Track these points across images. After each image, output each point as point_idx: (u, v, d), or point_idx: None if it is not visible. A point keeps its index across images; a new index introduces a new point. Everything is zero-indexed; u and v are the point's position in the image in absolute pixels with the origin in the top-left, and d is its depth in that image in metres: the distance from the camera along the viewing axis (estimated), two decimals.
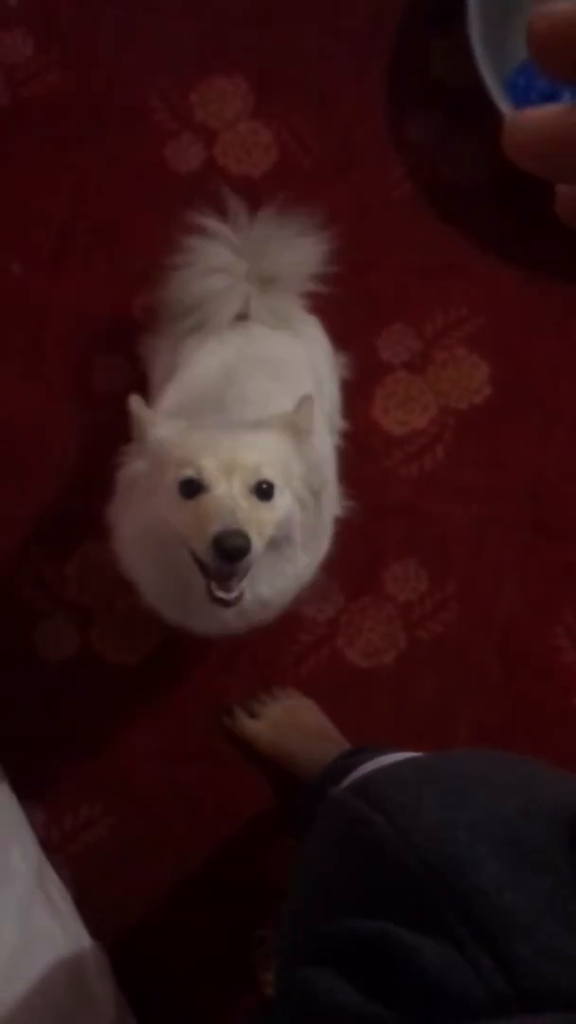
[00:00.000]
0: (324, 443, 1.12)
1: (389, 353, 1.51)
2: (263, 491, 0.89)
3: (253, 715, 1.38)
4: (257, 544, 0.86)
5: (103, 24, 1.62)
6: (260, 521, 0.88)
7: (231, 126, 1.59)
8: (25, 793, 1.27)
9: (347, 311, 1.39)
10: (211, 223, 1.21)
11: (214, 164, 1.58)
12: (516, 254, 1.52)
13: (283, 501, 0.92)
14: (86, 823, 1.37)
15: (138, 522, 0.98)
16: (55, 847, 1.35)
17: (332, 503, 1.13)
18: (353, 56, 1.60)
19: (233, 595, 0.90)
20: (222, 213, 1.23)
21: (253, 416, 1.01)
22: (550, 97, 1.56)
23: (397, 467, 1.48)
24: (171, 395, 1.13)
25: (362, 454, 1.45)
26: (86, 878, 1.33)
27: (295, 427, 0.96)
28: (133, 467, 0.99)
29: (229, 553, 0.84)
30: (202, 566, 0.89)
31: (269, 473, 0.90)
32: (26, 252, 1.55)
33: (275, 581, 0.98)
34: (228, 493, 0.87)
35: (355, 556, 1.45)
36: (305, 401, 0.98)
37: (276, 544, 0.93)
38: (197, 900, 1.35)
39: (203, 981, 1.33)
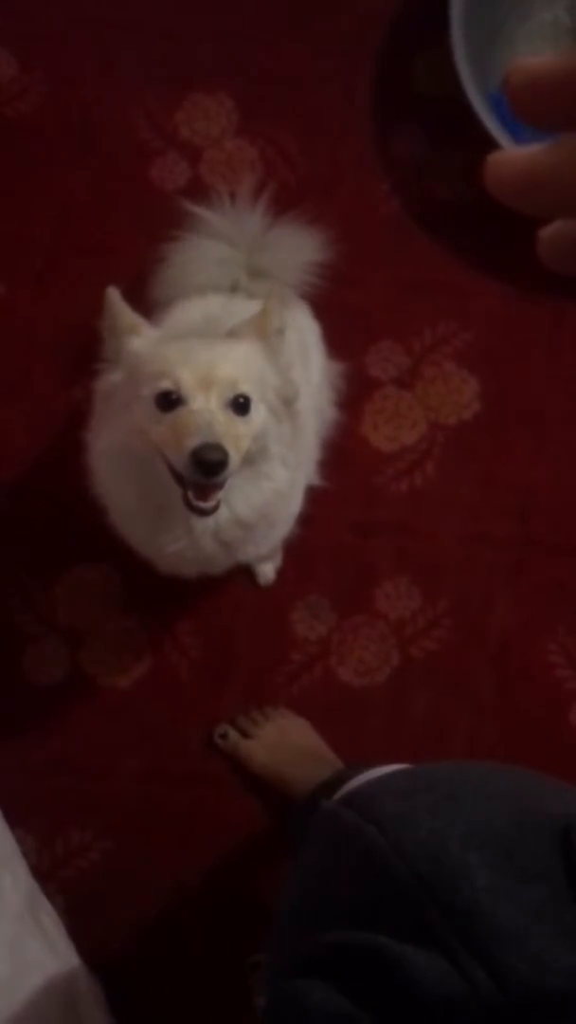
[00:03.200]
0: (307, 404, 1.12)
1: (378, 369, 1.51)
2: (239, 405, 0.90)
3: (246, 734, 1.37)
4: (234, 457, 0.87)
5: (87, 43, 1.62)
6: (237, 435, 0.89)
7: (216, 143, 1.59)
8: (16, 819, 1.26)
9: (335, 328, 1.38)
10: (206, 213, 1.22)
11: (200, 182, 1.57)
12: (504, 269, 1.52)
13: (258, 415, 0.93)
14: (78, 848, 1.35)
15: (114, 436, 0.98)
16: (47, 873, 1.33)
17: (308, 468, 1.15)
18: (338, 72, 1.60)
19: (211, 504, 0.91)
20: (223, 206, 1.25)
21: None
22: None
23: (387, 484, 1.47)
24: (147, 335, 1.11)
25: (352, 471, 1.45)
26: (78, 904, 1.32)
27: (265, 329, 0.97)
28: (109, 379, 0.99)
29: (207, 466, 0.85)
30: (179, 477, 0.90)
31: (245, 387, 0.91)
32: (11, 272, 1.55)
33: (251, 498, 0.99)
34: (205, 407, 0.88)
35: (347, 574, 1.44)
36: (269, 298, 0.99)
37: (251, 459, 0.94)
38: (190, 925, 1.34)
39: (197, 1007, 1.32)
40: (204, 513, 0.91)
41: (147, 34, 1.61)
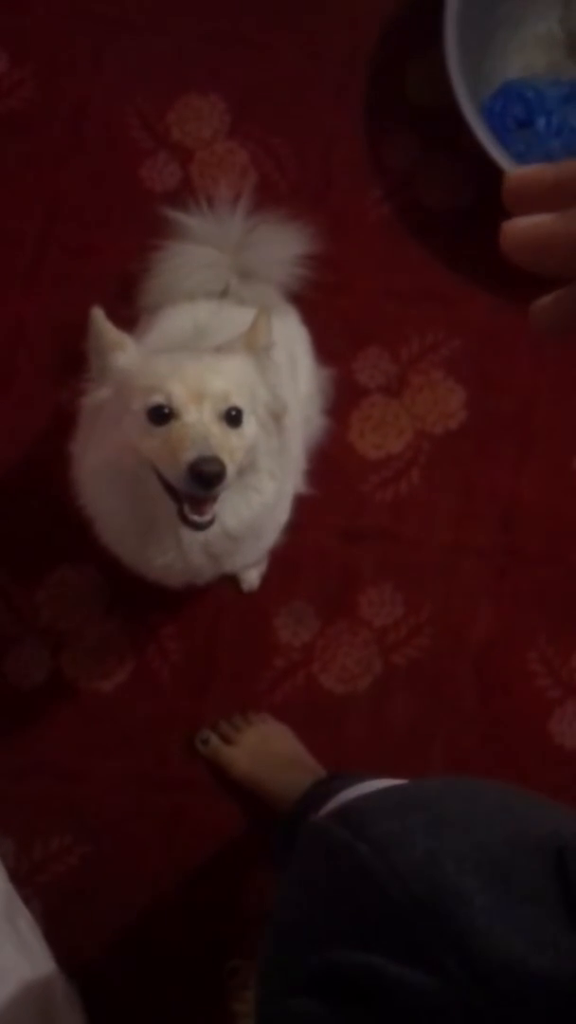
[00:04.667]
0: (294, 416, 1.12)
1: (365, 376, 1.51)
2: (232, 418, 0.90)
3: (228, 740, 1.37)
4: (231, 469, 0.87)
5: (79, 39, 1.60)
6: (231, 448, 0.89)
7: (207, 146, 1.58)
8: None
9: (323, 333, 1.38)
10: (189, 218, 1.22)
11: (190, 184, 1.56)
12: (493, 278, 1.53)
13: (250, 427, 0.93)
14: (57, 853, 1.35)
15: (102, 451, 0.97)
16: (24, 878, 1.32)
17: (295, 478, 1.15)
18: (331, 78, 1.60)
19: (207, 517, 0.90)
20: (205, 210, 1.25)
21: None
22: (524, 123, 1.57)
23: (373, 491, 1.47)
24: (135, 350, 1.11)
25: (338, 478, 1.45)
26: (56, 909, 1.31)
27: (255, 344, 0.97)
28: (96, 395, 0.98)
29: (206, 479, 0.84)
30: (173, 491, 0.90)
31: (237, 400, 0.91)
32: None
33: (241, 511, 0.98)
34: (199, 420, 0.88)
35: (331, 581, 1.45)
36: (259, 314, 0.98)
37: (241, 472, 0.94)
38: (169, 930, 1.34)
39: (175, 1013, 1.31)
40: (200, 527, 0.91)
41: (141, 32, 1.60)
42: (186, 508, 0.89)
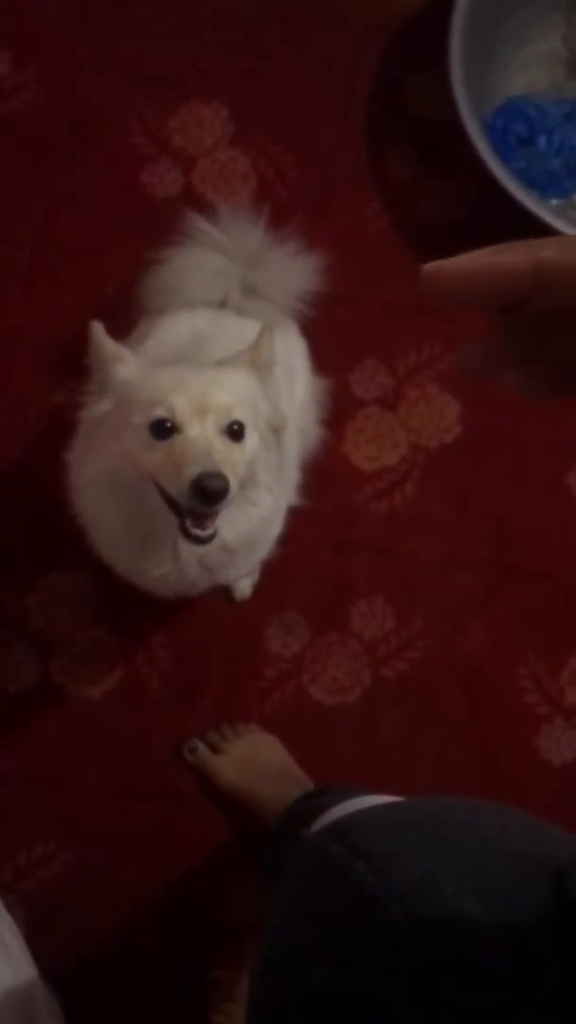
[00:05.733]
0: (291, 427, 1.11)
1: (361, 388, 1.51)
2: (234, 432, 0.90)
3: (216, 750, 1.36)
4: (234, 484, 0.86)
5: (82, 43, 1.60)
6: (234, 462, 0.88)
7: (209, 153, 1.58)
8: None
9: (320, 344, 1.38)
10: (208, 223, 1.22)
11: (191, 191, 1.56)
12: None
13: (252, 442, 0.92)
14: (41, 860, 1.34)
15: (101, 463, 0.97)
16: (8, 884, 1.31)
17: (289, 490, 1.15)
18: (335, 90, 1.60)
19: (209, 532, 0.90)
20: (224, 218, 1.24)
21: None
22: (526, 141, 1.58)
23: (367, 503, 1.47)
24: (134, 361, 1.11)
25: (332, 489, 1.45)
26: (39, 916, 1.30)
27: (258, 361, 0.96)
28: (96, 408, 0.97)
29: (210, 495, 0.84)
30: (174, 505, 0.89)
31: (240, 414, 0.90)
32: None
33: (239, 525, 0.98)
34: (202, 435, 0.87)
35: (323, 592, 1.44)
36: (263, 332, 0.98)
37: (241, 486, 0.94)
38: (152, 940, 1.33)
39: (155, 1023, 1.31)
40: (203, 541, 0.90)
41: (144, 39, 1.60)
42: (188, 523, 0.89)
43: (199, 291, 1.21)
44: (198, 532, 0.89)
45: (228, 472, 0.86)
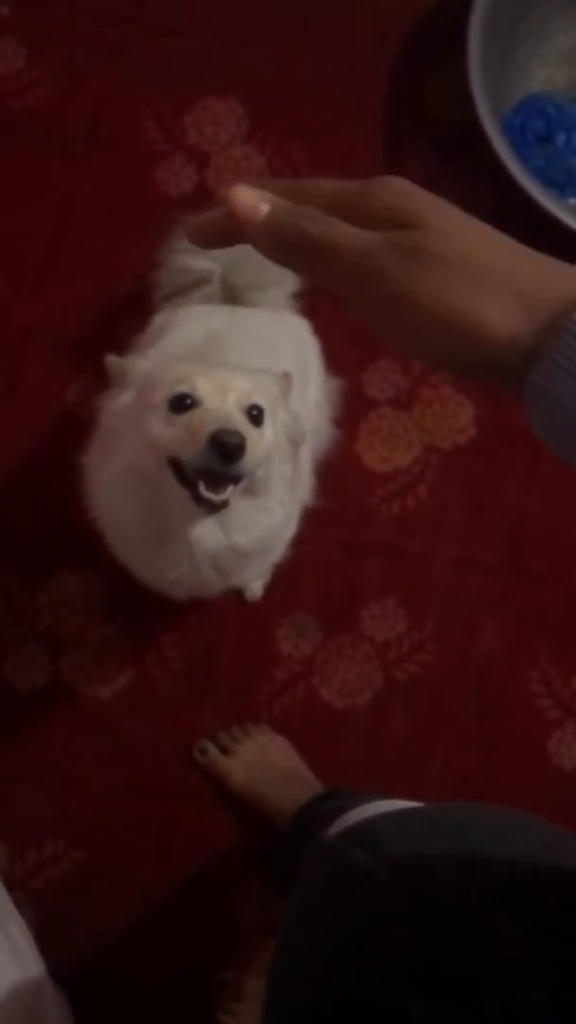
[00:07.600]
0: (304, 429, 1.11)
1: (375, 389, 1.50)
2: (254, 416, 0.89)
3: (226, 751, 1.36)
4: (252, 452, 0.84)
5: (98, 39, 1.59)
6: (252, 438, 0.87)
7: (224, 150, 1.57)
8: None
9: (333, 344, 1.37)
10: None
11: (206, 187, 1.55)
12: None
13: (269, 433, 0.91)
14: (50, 858, 1.34)
15: (120, 458, 0.96)
16: (17, 882, 1.32)
17: (304, 489, 1.14)
18: (351, 86, 1.59)
19: (222, 497, 0.87)
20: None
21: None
22: (545, 138, 1.56)
23: (379, 504, 1.46)
24: (152, 356, 1.09)
25: (345, 490, 1.44)
26: (48, 914, 1.31)
27: (279, 386, 0.97)
28: (119, 400, 0.97)
29: (226, 449, 0.82)
30: (187, 482, 0.87)
31: (260, 400, 0.90)
32: (9, 268, 1.52)
33: (250, 530, 0.97)
34: (222, 406, 0.87)
35: (334, 593, 1.44)
36: (286, 377, 0.98)
37: (252, 491, 0.93)
38: (160, 940, 1.33)
39: (163, 1022, 1.31)
40: (215, 506, 0.87)
41: (159, 35, 1.59)
42: (201, 486, 0.86)
43: (207, 289, 1.20)
44: (211, 496, 0.86)
45: (247, 437, 0.84)
